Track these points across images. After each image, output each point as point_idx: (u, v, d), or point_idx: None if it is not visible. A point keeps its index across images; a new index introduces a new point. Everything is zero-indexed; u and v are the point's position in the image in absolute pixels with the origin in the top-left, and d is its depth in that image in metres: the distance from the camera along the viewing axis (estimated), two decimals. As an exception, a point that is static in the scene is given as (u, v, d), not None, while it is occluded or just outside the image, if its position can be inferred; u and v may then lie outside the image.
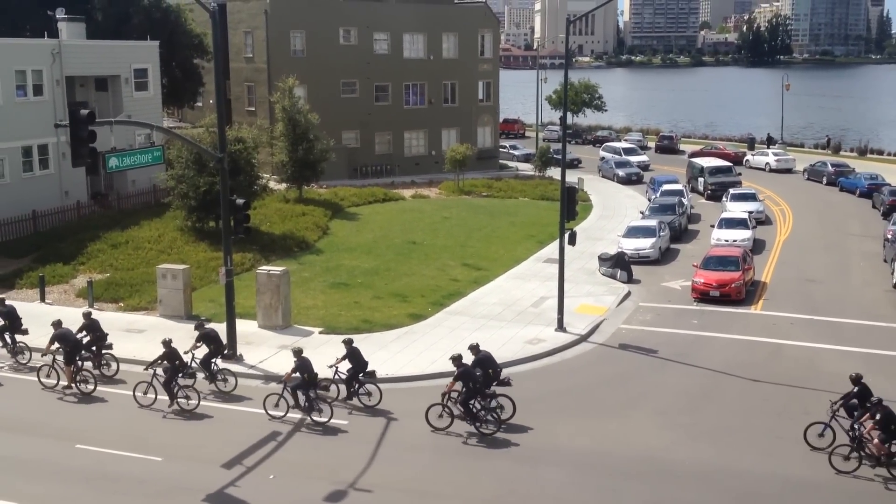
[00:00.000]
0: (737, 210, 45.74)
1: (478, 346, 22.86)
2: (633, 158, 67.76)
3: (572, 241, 30.10)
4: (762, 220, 46.92)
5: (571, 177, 44.31)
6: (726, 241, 39.80)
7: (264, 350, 26.99)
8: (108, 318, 29.37)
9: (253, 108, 60.26)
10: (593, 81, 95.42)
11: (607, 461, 19.93)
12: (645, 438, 21.01)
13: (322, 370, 23.17)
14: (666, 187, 51.27)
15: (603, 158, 68.15)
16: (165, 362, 22.91)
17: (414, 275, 36.27)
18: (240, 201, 26.52)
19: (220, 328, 26.51)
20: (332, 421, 21.91)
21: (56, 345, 24.15)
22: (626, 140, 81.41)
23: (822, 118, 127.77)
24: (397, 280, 35.41)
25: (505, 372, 24.25)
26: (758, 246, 41.38)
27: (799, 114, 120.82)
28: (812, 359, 26.60)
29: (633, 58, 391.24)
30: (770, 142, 78.46)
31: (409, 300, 32.58)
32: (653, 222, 41.48)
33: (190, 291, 30.80)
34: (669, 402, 23.33)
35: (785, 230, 46.03)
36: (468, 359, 22.23)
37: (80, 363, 24.08)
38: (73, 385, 23.82)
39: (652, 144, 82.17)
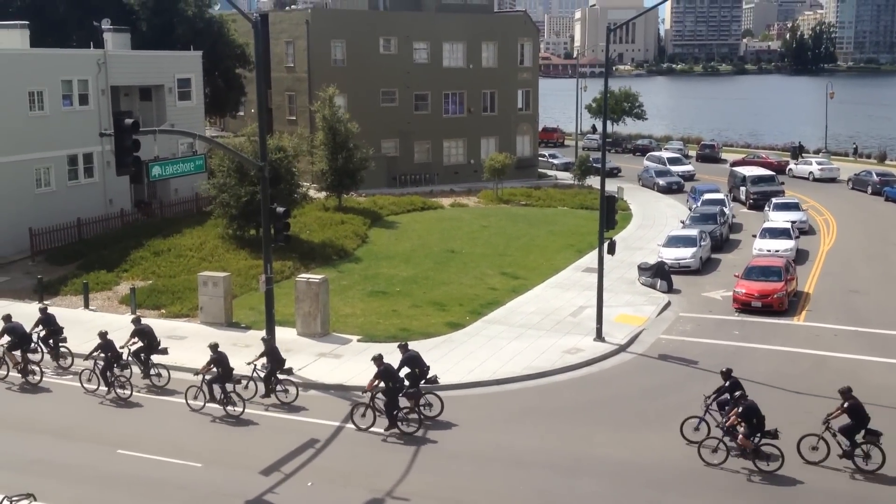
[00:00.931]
0: (779, 220, 45.14)
1: (406, 344, 23.48)
2: (678, 168, 67.09)
3: (612, 251, 29.93)
4: (805, 230, 46.25)
5: (611, 186, 44.07)
6: (769, 251, 39.28)
7: (303, 358, 27.13)
8: (150, 325, 29.76)
9: (294, 118, 60.80)
10: (634, 90, 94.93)
11: (648, 473, 19.73)
12: (686, 451, 20.76)
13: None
14: (707, 196, 50.74)
15: (645, 168, 67.69)
16: (101, 353, 24.21)
17: (452, 283, 36.27)
18: (280, 210, 26.71)
19: (260, 336, 26.69)
20: (371, 429, 21.96)
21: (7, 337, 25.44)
22: (666, 149, 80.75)
23: (869, 127, 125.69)
24: (435, 289, 35.44)
25: (543, 382, 24.18)
26: (801, 256, 40.78)
27: (844, 122, 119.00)
28: (856, 371, 26.11)
29: (674, 66, 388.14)
30: (800, 151, 76.96)
31: (447, 309, 32.58)
32: (693, 232, 41.07)
33: (230, 299, 31.09)
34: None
35: (829, 240, 45.31)
36: (395, 360, 22.55)
37: (27, 355, 25.57)
38: (23, 375, 25.40)
39: (693, 153, 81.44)
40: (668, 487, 19.06)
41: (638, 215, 52.57)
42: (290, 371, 24.24)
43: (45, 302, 31.71)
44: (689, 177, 65.57)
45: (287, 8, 67.15)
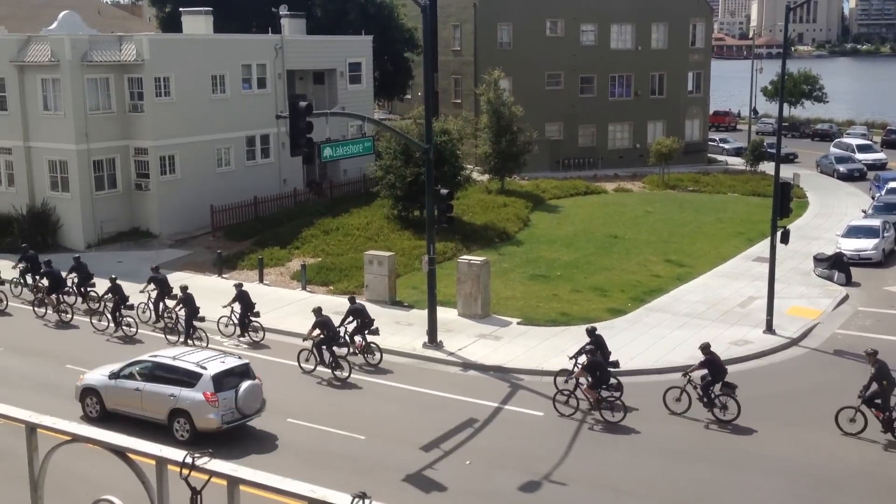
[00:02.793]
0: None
1: (354, 297, 26.63)
2: (868, 156, 62.82)
3: (785, 240, 28.60)
4: None
5: (786, 172, 42.08)
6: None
7: (463, 338, 27.46)
8: (319, 301, 30.94)
9: (459, 101, 61.36)
10: (814, 72, 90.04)
11: (818, 472, 18.82)
12: (859, 451, 19.67)
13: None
14: (892, 185, 47.61)
15: (825, 154, 64.16)
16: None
17: (614, 269, 35.72)
18: (444, 191, 27.07)
19: (423, 315, 27.23)
20: (526, 410, 22.02)
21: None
22: (848, 134, 76.23)
23: None
24: (597, 274, 35.01)
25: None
26: None
27: None
28: None
29: (858, 46, 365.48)
30: None
31: (609, 295, 32.12)
32: (876, 222, 38.68)
33: (394, 278, 31.82)
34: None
35: None
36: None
37: (61, 297, 29.60)
38: (57, 314, 29.42)
39: (878, 139, 76.48)
40: (840, 488, 18.11)
41: (815, 203, 49.97)
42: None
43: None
44: (880, 165, 61.27)
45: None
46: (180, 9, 50.62)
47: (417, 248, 36.62)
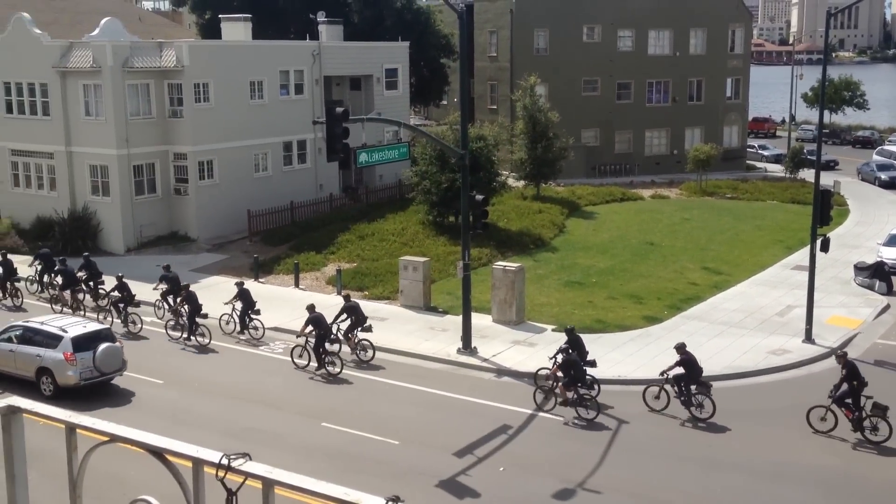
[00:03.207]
0: None
1: (349, 296, 27.68)
2: None
3: (825, 248, 28.20)
4: None
5: (827, 179, 41.53)
6: None
7: (498, 344, 27.40)
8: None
9: (494, 107, 61.34)
10: (855, 78, 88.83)
11: (858, 485, 18.52)
12: (901, 465, 19.31)
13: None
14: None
15: (866, 161, 63.18)
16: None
17: (650, 276, 35.45)
18: (479, 197, 27.05)
19: (457, 321, 27.22)
20: (560, 417, 21.90)
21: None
22: (890, 141, 75.03)
23: None
24: (633, 281, 34.77)
25: (745, 382, 23.38)
26: None
27: None
28: None
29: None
30: None
31: (645, 302, 31.89)
32: (919, 230, 37.97)
33: (429, 283, 31.85)
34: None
35: None
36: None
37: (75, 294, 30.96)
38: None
39: (921, 146, 75.13)
40: (881, 502, 17.78)
41: (856, 211, 49.24)
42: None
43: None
44: None
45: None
46: (220, 15, 51.23)
47: (452, 253, 36.63)
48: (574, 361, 22.25)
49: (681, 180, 57.87)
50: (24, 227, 41.23)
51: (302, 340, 25.73)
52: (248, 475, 3.44)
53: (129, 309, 29.20)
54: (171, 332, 28.31)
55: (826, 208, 28.02)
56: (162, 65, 40.14)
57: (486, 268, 33.93)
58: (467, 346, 26.63)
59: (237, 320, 28.48)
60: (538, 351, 26.79)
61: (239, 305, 28.40)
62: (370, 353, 26.16)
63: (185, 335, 27.85)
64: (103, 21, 44.18)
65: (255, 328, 28.29)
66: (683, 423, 21.72)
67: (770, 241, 41.67)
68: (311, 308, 25.71)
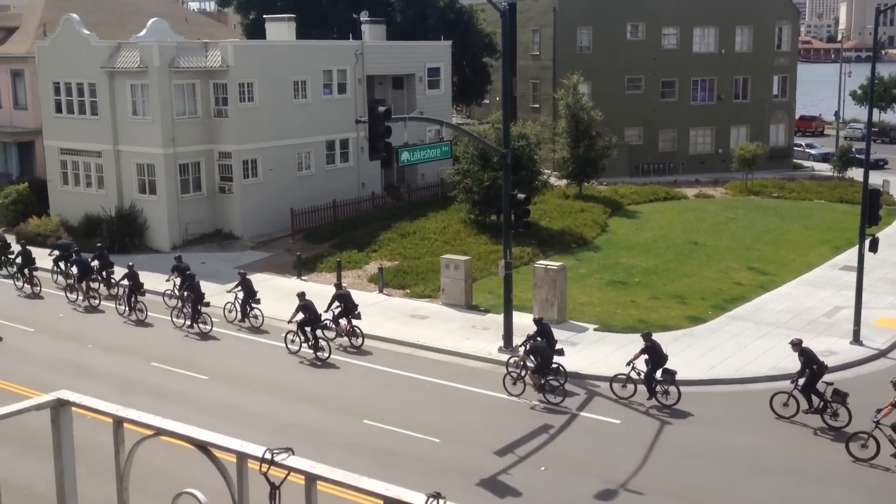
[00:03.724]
0: None
1: (340, 284, 29.21)
2: None
3: (874, 248, 27.69)
4: None
5: (876, 178, 40.77)
6: None
7: (539, 343, 27.28)
8: (396, 304, 31.19)
9: (537, 105, 61.13)
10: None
11: (906, 490, 18.15)
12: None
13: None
14: None
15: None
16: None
17: (694, 276, 35.09)
18: (521, 196, 26.99)
19: (498, 319, 27.18)
20: (602, 417, 21.77)
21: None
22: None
23: None
24: (676, 281, 34.44)
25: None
26: None
27: None
28: None
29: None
30: None
31: (688, 302, 31.58)
32: (972, 231, 37.13)
33: (470, 282, 31.84)
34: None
35: None
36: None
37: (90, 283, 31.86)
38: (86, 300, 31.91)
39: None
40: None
41: (905, 211, 48.28)
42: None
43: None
44: None
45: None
46: (264, 16, 51.67)
47: (494, 252, 36.57)
48: (542, 348, 23.18)
49: (726, 179, 57.17)
50: (72, 224, 41.97)
51: (293, 326, 26.69)
52: (291, 470, 3.46)
53: (137, 297, 30.37)
54: (175, 320, 29.46)
55: (875, 208, 27.52)
56: (207, 65, 40.62)
57: (528, 266, 33.84)
58: (508, 345, 26.60)
59: (239, 309, 29.49)
60: (579, 350, 26.65)
61: (241, 293, 29.39)
62: (360, 339, 27.37)
63: (188, 322, 28.91)
64: (150, 22, 44.81)
65: (255, 317, 29.35)
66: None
67: (817, 241, 41.03)
68: (301, 295, 26.72)
